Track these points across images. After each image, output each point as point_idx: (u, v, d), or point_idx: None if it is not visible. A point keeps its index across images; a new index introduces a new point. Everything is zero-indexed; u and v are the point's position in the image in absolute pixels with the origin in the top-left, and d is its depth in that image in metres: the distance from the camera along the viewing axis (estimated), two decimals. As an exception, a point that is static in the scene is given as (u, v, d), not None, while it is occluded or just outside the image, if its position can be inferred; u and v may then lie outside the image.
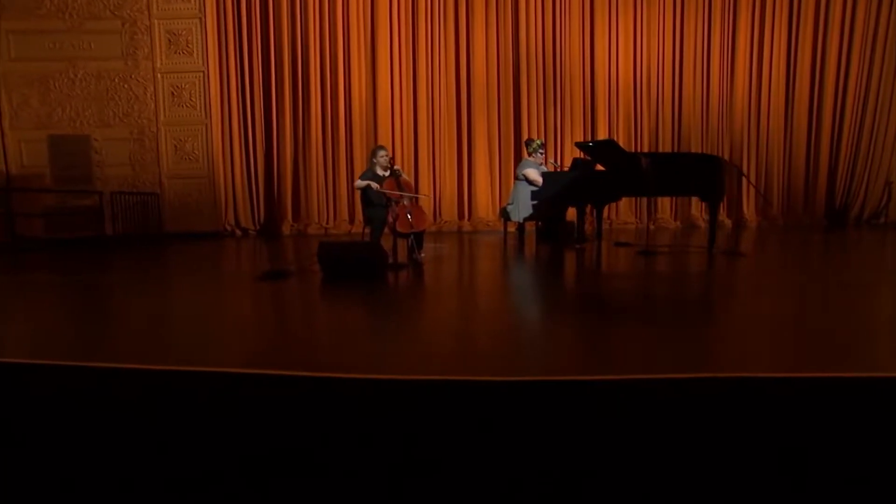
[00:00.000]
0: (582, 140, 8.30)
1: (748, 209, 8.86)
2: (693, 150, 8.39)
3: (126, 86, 7.20)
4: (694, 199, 8.73)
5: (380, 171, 4.62)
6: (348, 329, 2.15)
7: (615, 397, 1.38)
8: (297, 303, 2.84)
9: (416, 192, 5.05)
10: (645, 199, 8.71)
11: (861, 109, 8.77)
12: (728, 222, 8.58)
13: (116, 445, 1.50)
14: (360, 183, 4.56)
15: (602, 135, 8.38)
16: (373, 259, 3.49)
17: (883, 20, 8.48)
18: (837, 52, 8.58)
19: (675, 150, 8.56)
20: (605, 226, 6.09)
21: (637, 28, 8.42)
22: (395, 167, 4.58)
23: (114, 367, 1.59)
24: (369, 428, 1.42)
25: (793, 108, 8.75)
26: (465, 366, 1.61)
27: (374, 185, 4.42)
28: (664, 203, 8.74)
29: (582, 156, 6.24)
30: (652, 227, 8.66)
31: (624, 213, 8.82)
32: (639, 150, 8.30)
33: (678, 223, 8.83)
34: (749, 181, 5.53)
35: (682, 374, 1.39)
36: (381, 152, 4.66)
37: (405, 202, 4.34)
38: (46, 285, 3.64)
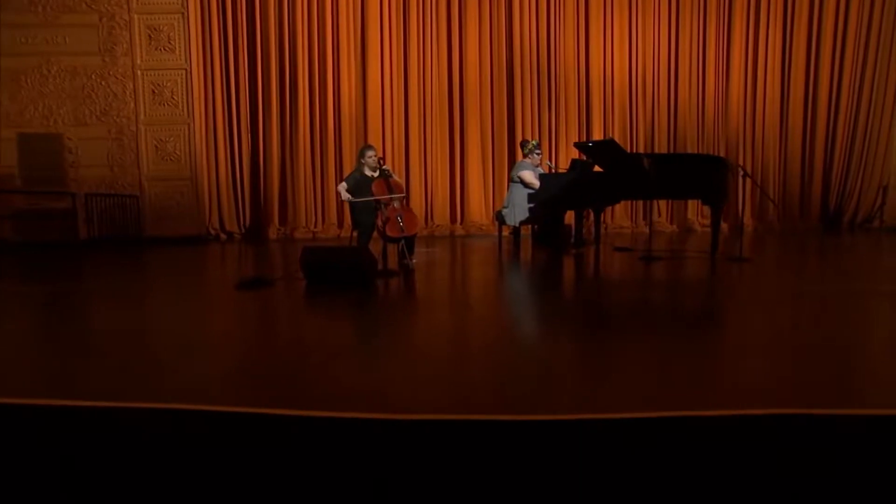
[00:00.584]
0: (578, 140, 8.15)
1: (745, 213, 8.75)
2: (690, 152, 8.25)
3: (104, 83, 6.88)
4: (691, 202, 8.62)
5: (368, 172, 4.39)
6: (330, 351, 1.90)
7: (623, 438, 1.15)
8: (276, 317, 2.58)
9: (407, 193, 4.81)
10: (640, 202, 8.58)
11: (854, 113, 8.76)
12: (724, 227, 8.46)
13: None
14: (341, 188, 4.32)
15: (597, 136, 8.22)
16: (360, 265, 3.25)
17: (875, 26, 8.48)
18: (831, 55, 8.57)
19: (672, 152, 8.42)
20: (600, 229, 5.90)
21: (632, 29, 8.31)
22: (385, 167, 4.35)
23: (72, 405, 1.34)
24: (350, 474, 1.18)
25: (788, 111, 8.70)
26: (458, 395, 1.37)
27: (347, 196, 4.18)
28: (660, 206, 8.60)
29: (580, 156, 6.06)
30: (648, 231, 8.50)
31: (619, 216, 8.66)
32: (638, 152, 8.12)
33: (674, 227, 8.69)
34: (754, 181, 5.38)
35: (694, 413, 1.17)
36: (370, 152, 4.43)
37: (395, 205, 4.10)
38: (7, 295, 3.34)
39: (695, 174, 4.30)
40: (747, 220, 8.73)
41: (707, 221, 8.78)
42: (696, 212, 8.75)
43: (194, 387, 1.45)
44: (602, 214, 7.77)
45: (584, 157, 5.31)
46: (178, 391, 1.42)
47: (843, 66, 8.56)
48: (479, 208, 8.28)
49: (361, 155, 4.47)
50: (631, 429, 1.18)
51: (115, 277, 4.18)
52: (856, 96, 8.66)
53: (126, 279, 4.09)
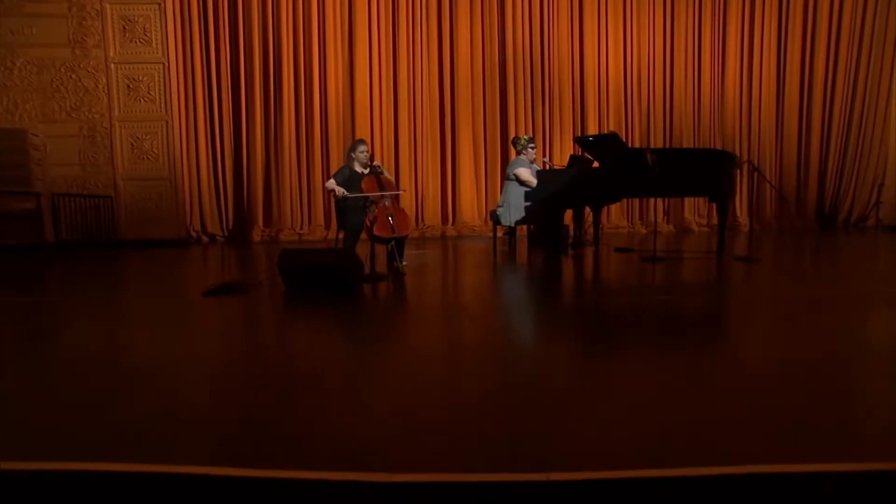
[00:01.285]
0: (573, 136, 7.95)
1: (741, 212, 8.63)
2: (695, 147, 8.08)
3: (74, 76, 6.49)
4: (687, 201, 8.47)
5: (358, 168, 4.10)
6: (310, 380, 1.61)
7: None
8: (246, 334, 2.26)
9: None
10: (637, 201, 8.40)
11: (849, 110, 8.75)
12: (722, 226, 8.31)
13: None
14: (330, 184, 4.02)
15: (592, 132, 8.02)
16: (346, 269, 2.95)
17: (868, 24, 8.44)
18: (825, 51, 8.54)
19: (669, 147, 8.24)
20: (599, 229, 5.66)
21: (627, 25, 8.16)
22: (376, 163, 4.07)
23: None
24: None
25: (783, 108, 8.65)
26: (454, 441, 1.10)
27: (341, 190, 3.88)
28: (657, 205, 8.42)
29: (577, 152, 5.82)
30: (645, 231, 8.33)
31: (616, 216, 8.46)
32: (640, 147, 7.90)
33: (671, 227, 8.52)
34: (764, 177, 5.19)
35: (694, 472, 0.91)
36: (362, 147, 4.15)
37: (386, 203, 3.82)
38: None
39: (701, 170, 4.09)
40: (743, 218, 8.62)
41: (704, 221, 8.66)
42: (694, 211, 8.60)
43: (135, 439, 1.15)
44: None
45: (584, 153, 5.07)
46: (106, 444, 1.12)
47: (838, 63, 8.53)
48: (471, 208, 8.03)
49: (353, 149, 4.18)
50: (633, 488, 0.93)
51: (68, 284, 3.82)
52: (850, 93, 8.65)
53: (81, 286, 3.73)
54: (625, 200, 8.15)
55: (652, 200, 8.28)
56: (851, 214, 8.86)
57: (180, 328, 2.31)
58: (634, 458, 0.99)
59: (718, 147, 8.36)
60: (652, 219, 8.46)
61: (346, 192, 3.87)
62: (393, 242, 3.79)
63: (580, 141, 4.53)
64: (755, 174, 4.13)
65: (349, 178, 4.04)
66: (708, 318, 2.36)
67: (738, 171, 6.69)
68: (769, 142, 8.63)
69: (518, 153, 5.51)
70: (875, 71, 8.57)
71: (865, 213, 8.89)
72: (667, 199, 8.34)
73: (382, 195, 3.84)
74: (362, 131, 7.54)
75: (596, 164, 4.66)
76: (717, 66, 8.47)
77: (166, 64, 6.80)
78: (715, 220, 8.50)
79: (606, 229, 8.25)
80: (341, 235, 4.14)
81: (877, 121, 8.73)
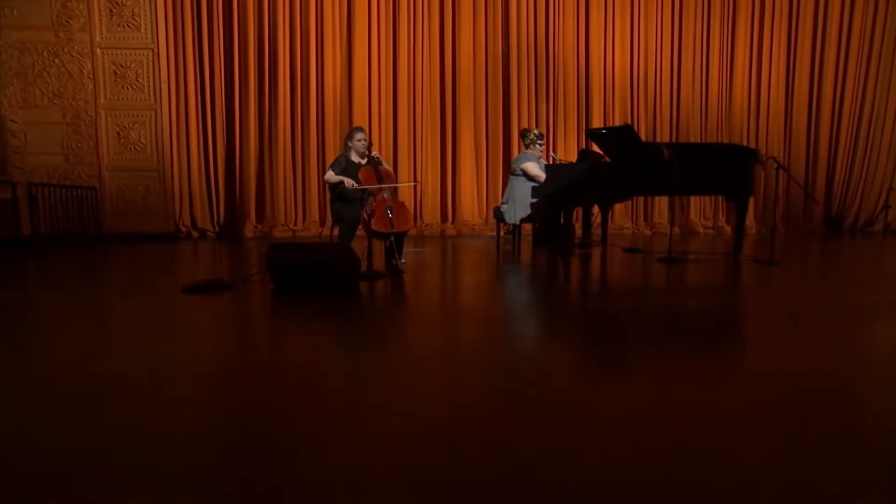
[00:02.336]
0: (577, 133, 7.73)
1: (747, 214, 8.44)
2: (713, 142, 7.90)
3: (57, 61, 6.19)
4: (693, 202, 8.27)
5: (355, 158, 3.84)
6: (298, 394, 1.35)
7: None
8: (226, 341, 1.98)
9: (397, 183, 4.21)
10: (640, 201, 8.19)
11: (858, 114, 8.62)
12: (728, 228, 8.13)
13: None
14: (331, 176, 3.75)
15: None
16: (340, 266, 2.69)
17: (879, 27, 8.29)
18: (835, 56, 8.42)
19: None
20: (596, 230, 5.43)
21: (634, 18, 7.95)
22: (374, 154, 3.81)
23: None
24: None
25: (792, 111, 8.48)
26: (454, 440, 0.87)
27: (350, 181, 3.62)
28: (661, 205, 8.20)
29: (587, 146, 5.58)
30: (650, 232, 8.11)
31: (620, 216, 8.23)
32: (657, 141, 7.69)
33: (676, 228, 8.30)
34: (788, 174, 4.97)
35: None
36: (359, 135, 3.88)
37: (385, 195, 3.55)
38: None
39: (721, 167, 3.85)
40: (750, 221, 8.43)
41: (710, 223, 8.46)
42: (699, 213, 8.39)
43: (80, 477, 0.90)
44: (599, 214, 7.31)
45: (594, 148, 4.82)
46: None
47: (848, 64, 8.39)
48: (471, 207, 7.79)
49: (349, 137, 3.91)
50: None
51: (37, 280, 3.53)
52: (860, 95, 8.51)
53: (50, 283, 3.44)
54: (629, 200, 7.93)
55: (657, 201, 8.07)
56: (858, 218, 8.71)
57: (154, 329, 2.04)
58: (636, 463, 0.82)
59: (726, 147, 8.18)
60: (656, 220, 8.26)
61: (355, 183, 3.60)
62: (392, 238, 3.53)
63: (592, 133, 4.28)
64: (777, 171, 3.90)
65: (346, 169, 3.78)
66: (738, 323, 2.13)
67: (762, 169, 6.48)
68: (777, 142, 8.46)
69: (526, 147, 5.26)
70: (885, 71, 8.43)
71: (872, 218, 8.75)
72: (672, 200, 8.13)
73: (382, 187, 3.58)
74: (359, 123, 7.28)
75: (606, 159, 4.43)
76: (726, 64, 8.28)
77: (156, 50, 6.51)
78: (721, 223, 8.47)
79: (610, 229, 8.02)
80: (336, 231, 3.88)
81: (886, 123, 8.59)
